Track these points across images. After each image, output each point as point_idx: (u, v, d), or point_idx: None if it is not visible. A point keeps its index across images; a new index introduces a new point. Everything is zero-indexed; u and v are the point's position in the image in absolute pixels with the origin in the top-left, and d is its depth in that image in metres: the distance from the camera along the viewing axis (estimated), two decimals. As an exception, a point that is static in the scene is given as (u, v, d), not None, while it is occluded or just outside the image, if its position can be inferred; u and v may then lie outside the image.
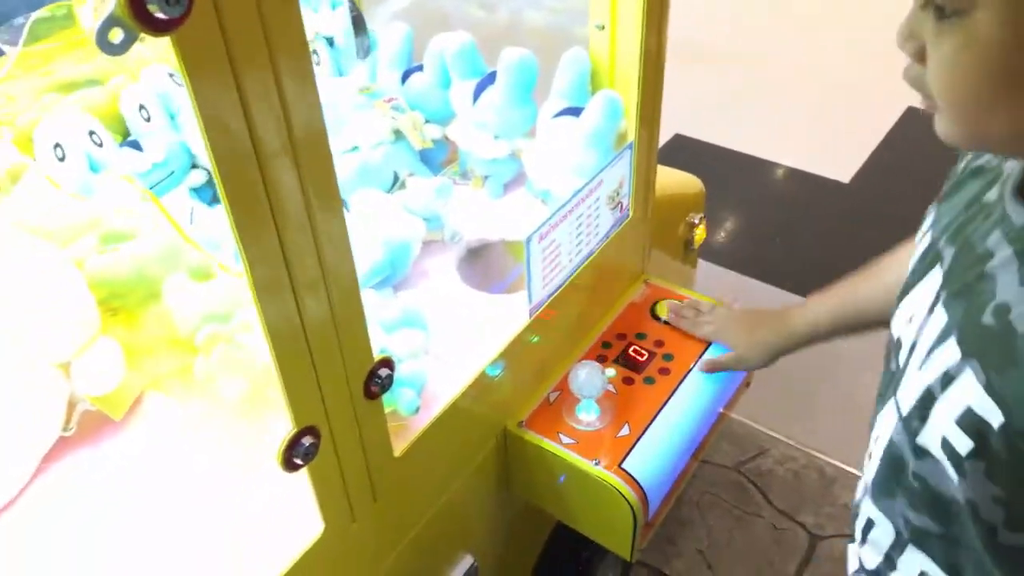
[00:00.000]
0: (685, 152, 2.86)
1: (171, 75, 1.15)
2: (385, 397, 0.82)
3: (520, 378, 1.03)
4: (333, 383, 0.70)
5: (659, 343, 1.11)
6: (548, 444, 0.99)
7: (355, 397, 0.73)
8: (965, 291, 0.50)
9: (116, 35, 0.44)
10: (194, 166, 1.16)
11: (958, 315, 0.50)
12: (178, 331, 0.93)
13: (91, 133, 1.07)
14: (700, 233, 1.54)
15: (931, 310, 0.53)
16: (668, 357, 1.09)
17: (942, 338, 0.51)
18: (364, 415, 0.75)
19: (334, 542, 0.78)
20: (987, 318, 0.47)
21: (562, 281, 1.01)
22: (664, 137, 2.85)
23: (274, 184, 0.57)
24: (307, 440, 0.68)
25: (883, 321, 0.66)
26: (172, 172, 1.12)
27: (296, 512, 0.76)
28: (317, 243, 0.62)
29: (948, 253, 0.54)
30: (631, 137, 1.06)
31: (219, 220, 1.08)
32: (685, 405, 1.05)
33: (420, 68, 1.23)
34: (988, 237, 0.50)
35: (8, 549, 0.81)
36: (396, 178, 1.18)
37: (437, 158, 1.28)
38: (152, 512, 0.83)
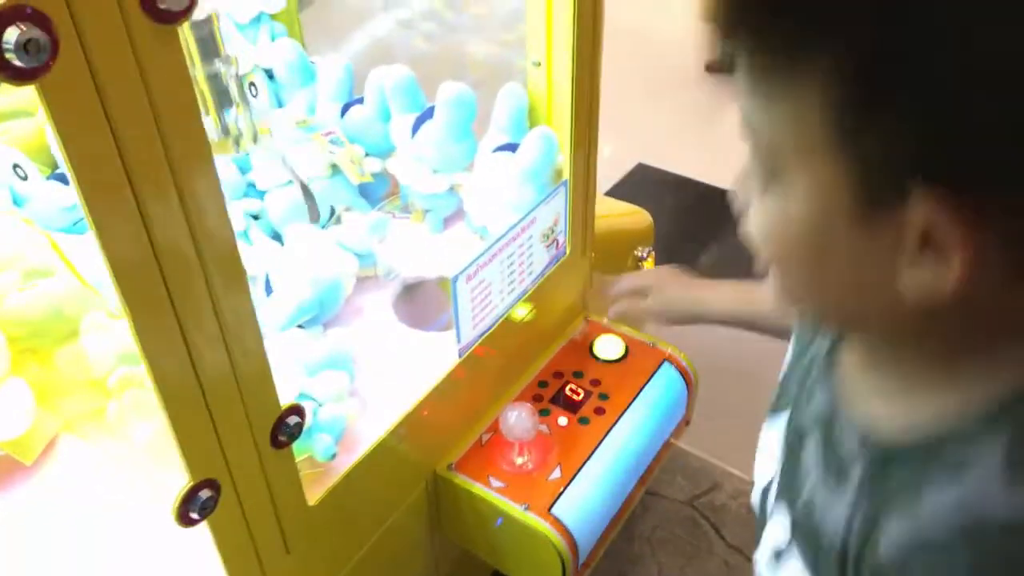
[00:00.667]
0: (647, 182, 2.87)
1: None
2: (299, 444, 0.80)
3: (451, 419, 1.01)
4: (234, 435, 0.67)
5: (595, 382, 1.10)
6: (477, 488, 0.97)
7: (261, 447, 0.71)
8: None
9: (-31, 84, 0.43)
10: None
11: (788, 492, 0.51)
12: (92, 372, 0.90)
13: (15, 166, 1.05)
14: (648, 267, 1.53)
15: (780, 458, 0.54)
16: (604, 396, 1.08)
17: (778, 507, 0.52)
18: (272, 465, 0.73)
19: (244, 597, 0.75)
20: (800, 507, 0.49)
21: (493, 320, 1.00)
22: (626, 167, 2.88)
23: (161, 241, 0.55)
24: (204, 493, 0.66)
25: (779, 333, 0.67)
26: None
27: (206, 565, 0.73)
28: (213, 296, 0.60)
29: (795, 399, 0.54)
30: (566, 174, 1.05)
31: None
32: (618, 446, 1.03)
33: (360, 101, 1.22)
34: (813, 399, 0.50)
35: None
36: (333, 212, 1.16)
37: (378, 192, 1.26)
38: (62, 560, 0.80)
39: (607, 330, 1.19)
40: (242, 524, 0.72)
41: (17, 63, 0.43)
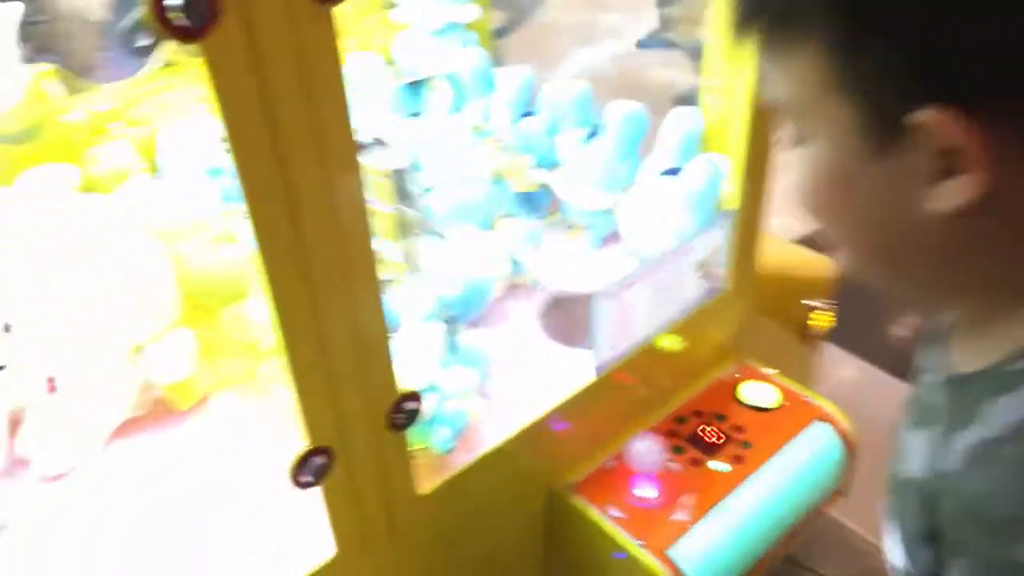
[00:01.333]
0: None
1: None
2: (419, 432, 0.81)
3: (578, 438, 0.98)
4: (352, 411, 0.69)
5: (738, 428, 1.03)
6: (593, 513, 0.94)
7: (376, 427, 0.72)
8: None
9: (143, 40, 0.46)
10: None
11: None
12: (251, 335, 0.96)
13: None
14: (821, 320, 1.43)
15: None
16: (746, 445, 1.01)
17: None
18: (385, 446, 0.74)
19: (345, 568, 0.76)
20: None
21: (634, 344, 0.96)
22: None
23: (304, 213, 0.57)
24: (318, 460, 0.68)
25: None
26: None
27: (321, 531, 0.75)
28: (346, 280, 0.62)
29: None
30: (732, 205, 1.00)
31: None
32: (754, 500, 0.96)
33: (535, 113, 1.23)
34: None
35: (61, 509, 0.85)
36: (492, 217, 1.17)
37: (542, 203, 1.26)
38: (190, 501, 0.85)
39: (761, 376, 1.11)
40: (351, 498, 0.74)
41: (181, 23, 0.46)
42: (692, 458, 0.99)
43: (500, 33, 1.54)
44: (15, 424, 0.89)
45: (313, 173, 0.57)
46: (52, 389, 0.88)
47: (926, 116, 0.36)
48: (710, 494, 0.95)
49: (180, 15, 0.46)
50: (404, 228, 0.91)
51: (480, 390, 0.94)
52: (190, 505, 0.84)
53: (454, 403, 0.85)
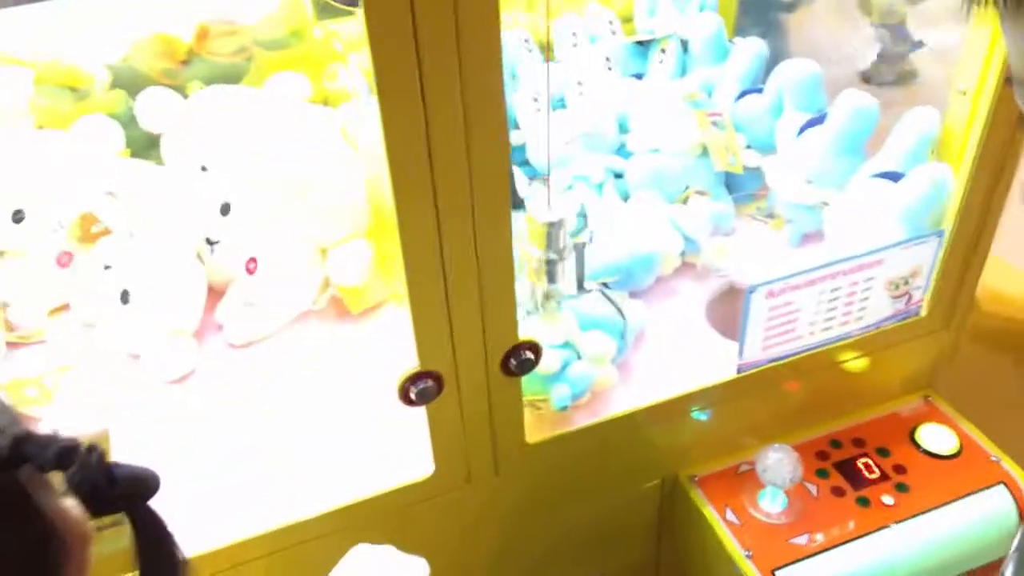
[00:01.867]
0: None
1: (525, 41, 1.23)
2: (539, 385, 0.82)
3: (714, 432, 0.94)
4: (468, 346, 0.72)
5: (900, 469, 0.93)
6: (708, 511, 0.90)
7: (491, 367, 0.74)
8: None
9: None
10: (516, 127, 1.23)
11: None
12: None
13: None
14: (1058, 377, 1.23)
15: None
16: (902, 488, 0.91)
17: None
18: (497, 387, 0.76)
19: (442, 490, 0.81)
20: None
21: (793, 351, 0.89)
22: None
23: (439, 157, 0.60)
24: (425, 383, 0.72)
25: None
26: (495, 126, 1.21)
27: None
28: (476, 224, 0.64)
29: None
30: (946, 224, 0.88)
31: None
32: (893, 549, 0.86)
33: (760, 91, 1.16)
34: None
35: (235, 372, 0.98)
36: (686, 190, 1.13)
37: (747, 186, 1.19)
38: (332, 390, 0.93)
39: (946, 420, 0.98)
40: (458, 426, 0.77)
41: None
42: (835, 486, 0.91)
43: (789, 8, 1.46)
44: (219, 294, 1.03)
45: (454, 117, 0.59)
46: (252, 270, 1.00)
47: None
48: (842, 529, 0.87)
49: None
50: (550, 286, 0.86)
51: (621, 361, 0.93)
52: (329, 397, 0.92)
53: (582, 366, 0.85)
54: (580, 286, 0.85)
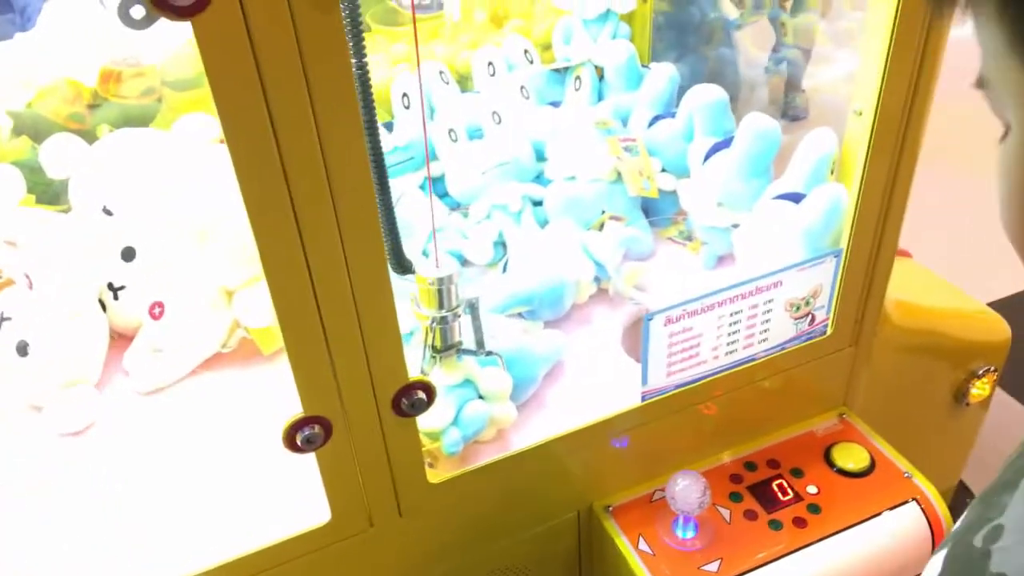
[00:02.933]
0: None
1: (440, 72, 1.24)
2: (433, 425, 0.81)
3: (628, 461, 0.93)
4: (355, 389, 0.71)
5: (813, 489, 0.93)
6: (621, 541, 0.89)
7: (382, 409, 0.73)
8: (983, 499, 0.40)
9: (138, 12, 0.50)
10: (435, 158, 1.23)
11: (961, 525, 0.40)
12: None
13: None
14: (980, 389, 1.24)
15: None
16: (814, 509, 0.91)
17: (941, 547, 0.41)
18: (391, 428, 0.75)
19: (342, 536, 0.79)
20: (977, 539, 0.37)
21: (699, 376, 0.89)
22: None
23: (297, 190, 0.59)
24: (312, 428, 0.71)
25: None
26: (412, 157, 1.21)
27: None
28: (348, 260, 0.63)
29: None
30: (842, 244, 0.88)
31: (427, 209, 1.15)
32: (806, 573, 0.86)
33: (673, 115, 1.17)
34: None
35: (140, 420, 0.96)
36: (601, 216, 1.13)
37: (667, 210, 1.20)
38: (237, 436, 0.92)
39: (860, 438, 0.99)
40: (353, 471, 0.76)
41: (172, 0, 0.49)
42: (748, 509, 0.91)
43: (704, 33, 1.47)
44: (126, 340, 1.01)
45: (312, 155, 0.58)
46: (158, 316, 0.99)
47: None
48: (753, 553, 0.87)
49: (172, -7, 0.49)
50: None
51: (535, 391, 0.92)
52: (235, 443, 0.91)
53: (476, 406, 0.84)
54: (480, 345, 0.85)
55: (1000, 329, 1.25)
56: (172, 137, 1.09)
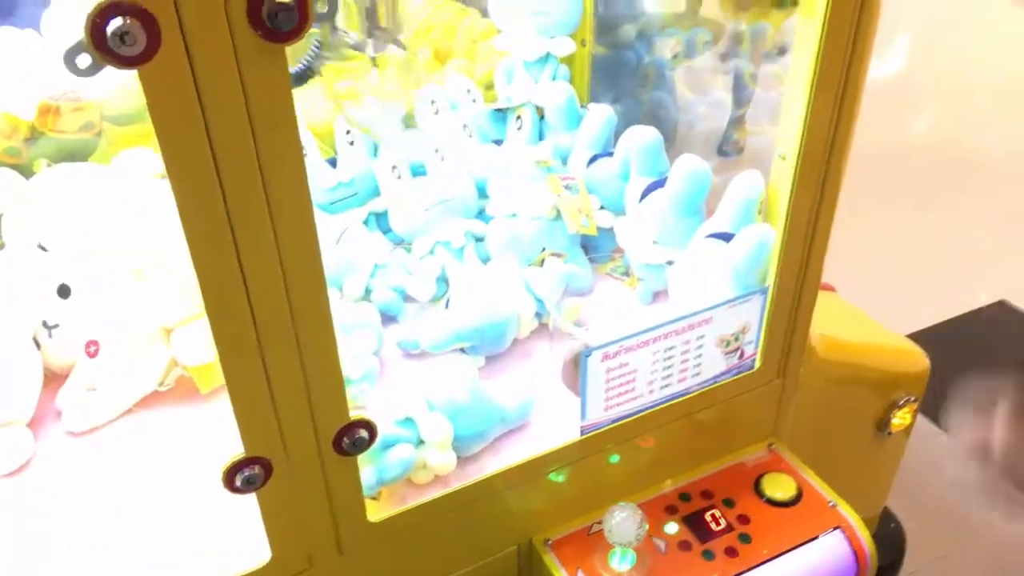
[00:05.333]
0: (1007, 327, 2.39)
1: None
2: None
3: (566, 494, 0.95)
4: (296, 427, 0.71)
5: (743, 519, 0.96)
6: (561, 574, 0.91)
7: (323, 448, 0.74)
8: None
9: (84, 61, 0.51)
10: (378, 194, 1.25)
11: None
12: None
13: (301, 145, 1.22)
14: (902, 418, 1.30)
15: None
16: (744, 538, 0.94)
17: None
18: (333, 467, 0.75)
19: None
20: None
21: (635, 409, 0.92)
22: (986, 299, 2.46)
23: (241, 238, 0.60)
24: (252, 469, 0.71)
25: None
26: (356, 193, 1.22)
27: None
28: (291, 301, 0.64)
29: None
30: (768, 282, 0.93)
31: (371, 244, 1.16)
32: (737, 600, 0.89)
33: (610, 155, 1.21)
34: None
35: (74, 461, 0.94)
36: (542, 253, 1.16)
37: (605, 246, 1.24)
38: (174, 475, 0.91)
39: (788, 468, 1.03)
40: (293, 510, 0.76)
41: (117, 51, 0.50)
42: (683, 540, 0.94)
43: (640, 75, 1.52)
44: (60, 379, 0.99)
45: (255, 196, 0.60)
46: (93, 354, 0.97)
47: None
48: (689, 583, 0.89)
49: (118, 42, 0.50)
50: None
51: (472, 450, 0.93)
52: (171, 482, 0.90)
53: (402, 450, 0.85)
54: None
55: (919, 360, 1.31)
56: (112, 172, 1.08)
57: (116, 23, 0.49)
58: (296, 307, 0.65)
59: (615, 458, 0.95)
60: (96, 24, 0.49)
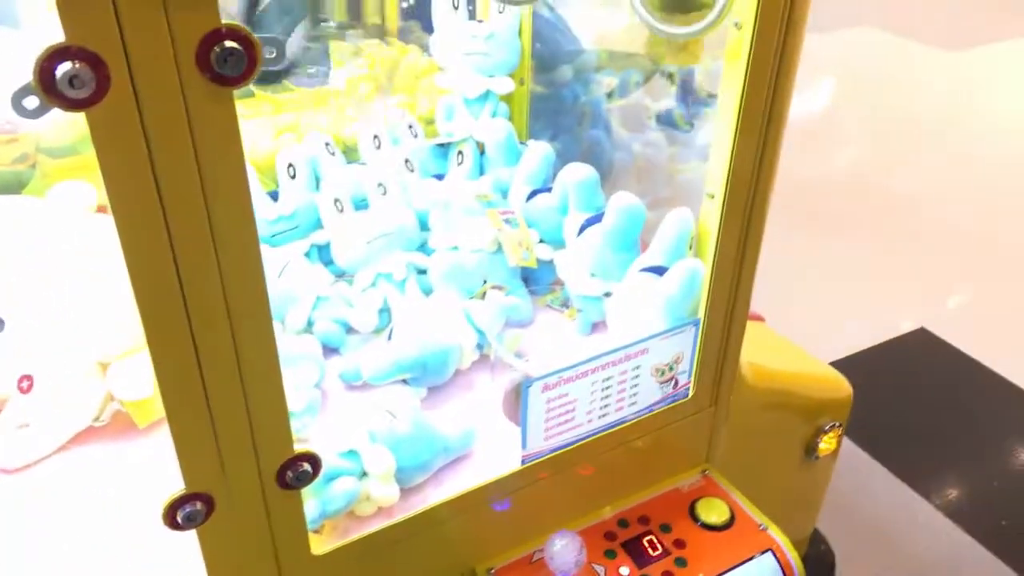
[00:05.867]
0: (927, 355, 2.50)
1: (327, 144, 1.27)
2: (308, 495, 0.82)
3: (508, 523, 0.97)
4: (238, 462, 0.71)
5: (680, 543, 0.99)
6: (503, 603, 0.92)
7: (266, 482, 0.74)
8: None
9: (31, 103, 0.51)
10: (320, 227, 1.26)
11: None
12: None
13: (243, 178, 1.22)
14: (828, 443, 1.36)
15: None
16: (680, 562, 0.97)
17: None
18: (275, 501, 0.76)
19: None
20: None
21: (574, 439, 0.95)
22: (907, 326, 2.57)
23: (187, 278, 0.61)
24: (193, 505, 0.71)
25: None
26: (297, 226, 1.23)
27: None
28: (235, 333, 0.65)
29: None
30: (700, 314, 0.97)
31: (313, 276, 1.17)
32: (674, 623, 0.92)
33: (549, 190, 1.24)
34: None
35: (7, 498, 0.92)
36: (484, 285, 1.19)
37: (545, 278, 1.27)
38: (109, 512, 0.90)
39: (721, 493, 1.06)
40: (235, 546, 0.76)
41: (66, 94, 0.51)
42: (621, 565, 0.96)
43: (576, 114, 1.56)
44: (-11, 414, 0.97)
45: (201, 233, 0.60)
46: (26, 389, 0.95)
47: None
48: (628, 608, 0.92)
49: (67, 86, 0.50)
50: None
51: (414, 481, 0.94)
52: (106, 520, 0.89)
53: (344, 484, 0.85)
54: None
55: (842, 387, 1.37)
56: (46, 205, 1.07)
57: (65, 67, 0.50)
58: (240, 340, 0.66)
59: (555, 486, 0.97)
60: (44, 68, 0.50)
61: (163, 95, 0.54)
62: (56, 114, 1.14)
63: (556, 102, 1.46)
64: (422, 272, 1.22)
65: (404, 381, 1.06)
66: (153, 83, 0.54)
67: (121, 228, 0.57)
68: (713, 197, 0.98)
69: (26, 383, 0.95)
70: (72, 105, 0.52)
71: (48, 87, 0.50)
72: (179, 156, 0.57)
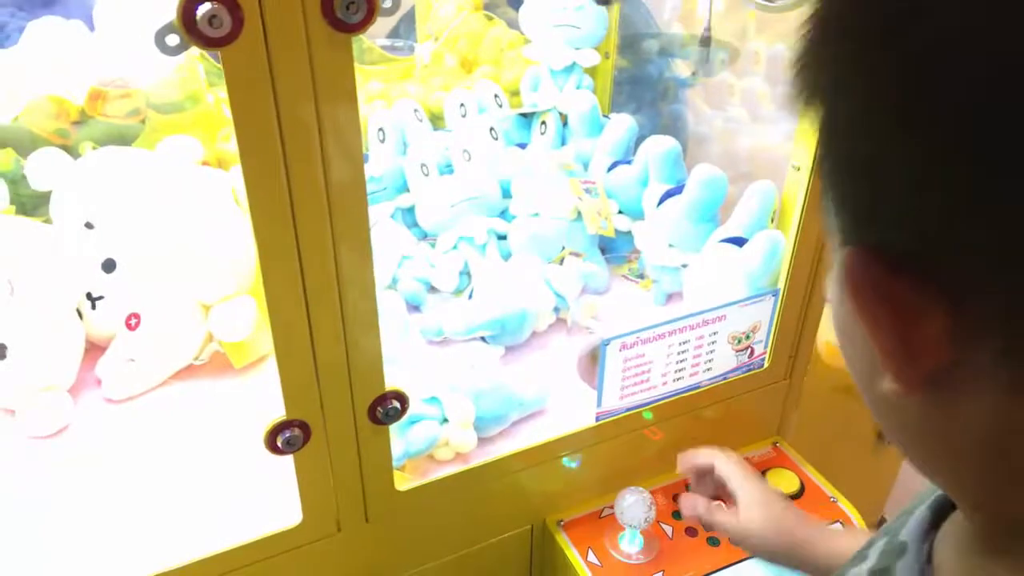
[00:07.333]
0: None
1: (415, 110, 1.31)
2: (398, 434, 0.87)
3: (579, 478, 1.00)
4: (336, 395, 0.76)
5: (748, 510, 1.00)
6: (571, 553, 0.95)
7: (358, 416, 0.79)
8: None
9: (172, 40, 0.56)
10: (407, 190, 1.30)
11: None
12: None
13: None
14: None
15: None
16: (749, 528, 0.98)
17: None
18: (365, 435, 0.80)
19: (311, 539, 0.84)
20: None
21: (649, 400, 0.97)
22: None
23: (301, 218, 0.65)
24: (292, 431, 0.75)
25: None
26: (385, 188, 1.28)
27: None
28: (340, 278, 0.69)
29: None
30: (780, 285, 0.98)
31: (398, 237, 1.21)
32: (739, 585, 0.93)
33: (630, 162, 1.26)
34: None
35: (112, 427, 0.99)
36: (562, 251, 1.21)
37: (622, 248, 1.29)
38: (208, 443, 0.96)
39: (791, 465, 1.07)
40: (327, 475, 0.80)
41: (205, 32, 0.55)
42: (689, 527, 0.98)
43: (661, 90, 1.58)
44: (100, 350, 1.04)
45: (315, 178, 0.65)
46: (134, 327, 1.02)
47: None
48: (694, 567, 0.94)
49: (207, 25, 0.55)
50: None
51: (492, 431, 0.97)
52: (204, 449, 0.95)
53: (425, 428, 0.90)
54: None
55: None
56: (156, 157, 1.13)
57: (205, 7, 0.54)
58: (343, 278, 0.70)
59: (627, 445, 0.99)
60: (187, 8, 0.55)
61: (289, 38, 0.58)
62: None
63: (639, 77, 1.47)
64: (502, 237, 1.25)
65: (483, 339, 1.09)
66: (281, 26, 0.58)
67: (245, 161, 0.61)
68: (799, 169, 0.98)
69: (134, 320, 1.02)
70: (210, 43, 0.56)
71: (189, 26, 0.55)
72: (300, 96, 0.61)
